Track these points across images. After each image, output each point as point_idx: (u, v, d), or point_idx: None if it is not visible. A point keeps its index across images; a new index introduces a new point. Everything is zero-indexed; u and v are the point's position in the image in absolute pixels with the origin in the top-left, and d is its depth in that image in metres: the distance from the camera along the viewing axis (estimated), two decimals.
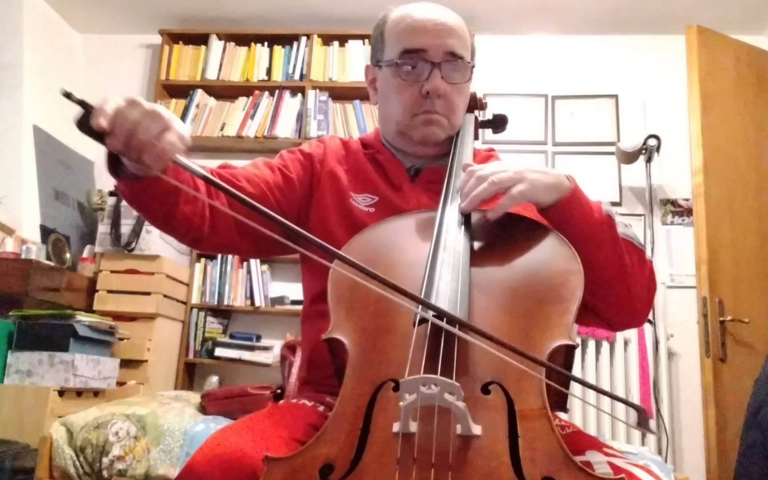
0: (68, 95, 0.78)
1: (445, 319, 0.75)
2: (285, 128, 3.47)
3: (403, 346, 0.78)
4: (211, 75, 3.61)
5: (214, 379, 3.15)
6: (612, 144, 3.33)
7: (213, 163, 3.36)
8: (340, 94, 3.53)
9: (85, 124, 0.79)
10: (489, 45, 3.45)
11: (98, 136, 0.79)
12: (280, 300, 3.27)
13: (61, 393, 2.35)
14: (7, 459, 2.01)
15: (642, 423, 0.75)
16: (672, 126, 3.30)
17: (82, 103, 0.79)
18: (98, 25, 3.83)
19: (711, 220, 2.67)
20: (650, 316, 3.03)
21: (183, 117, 3.54)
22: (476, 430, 0.67)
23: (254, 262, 3.32)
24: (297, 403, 1.01)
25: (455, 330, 0.74)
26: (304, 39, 3.58)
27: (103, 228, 3.10)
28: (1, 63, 3.26)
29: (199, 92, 3.59)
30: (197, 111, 3.57)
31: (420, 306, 0.77)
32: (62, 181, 3.40)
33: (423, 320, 0.78)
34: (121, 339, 2.83)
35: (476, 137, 1.24)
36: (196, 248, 1.17)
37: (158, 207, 0.95)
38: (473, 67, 1.18)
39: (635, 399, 2.94)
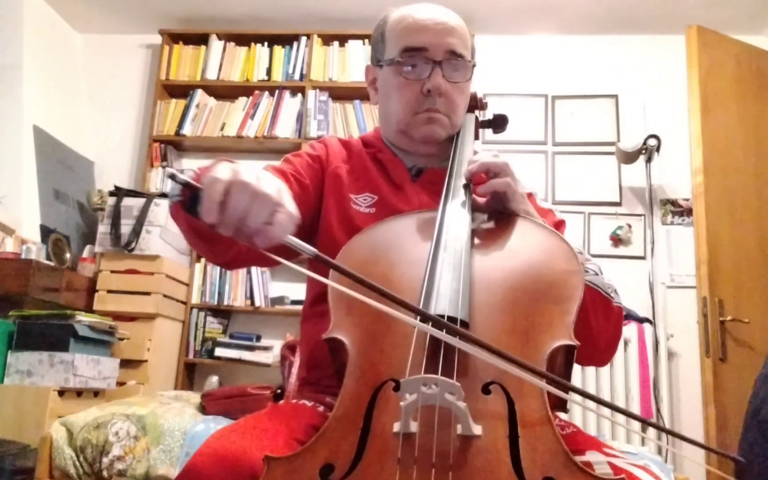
0: (173, 176, 0.76)
1: (444, 330, 0.74)
2: (285, 128, 3.47)
3: (404, 346, 0.78)
4: (211, 75, 3.61)
5: (214, 379, 3.15)
6: (612, 144, 3.33)
7: None
8: (340, 94, 3.53)
9: (190, 206, 0.75)
10: (489, 45, 3.45)
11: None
12: (280, 300, 3.27)
13: (61, 393, 2.35)
14: (7, 459, 2.00)
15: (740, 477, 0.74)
16: (672, 126, 3.30)
17: (187, 185, 0.75)
18: (98, 25, 3.83)
19: (711, 220, 2.67)
20: (650, 316, 3.03)
21: (183, 117, 3.55)
22: (477, 430, 0.67)
23: None
24: (297, 403, 1.01)
25: (455, 341, 0.73)
26: (304, 39, 3.58)
27: (103, 228, 3.10)
28: (1, 63, 3.26)
29: (199, 92, 3.59)
30: (197, 111, 3.57)
31: (418, 317, 0.76)
32: (62, 181, 3.40)
33: (425, 321, 0.78)
34: (121, 339, 2.83)
35: (476, 137, 1.25)
36: (225, 268, 1.15)
37: (225, 245, 0.95)
38: (474, 66, 1.18)
39: (635, 399, 2.94)
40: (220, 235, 0.87)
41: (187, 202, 0.75)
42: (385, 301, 0.74)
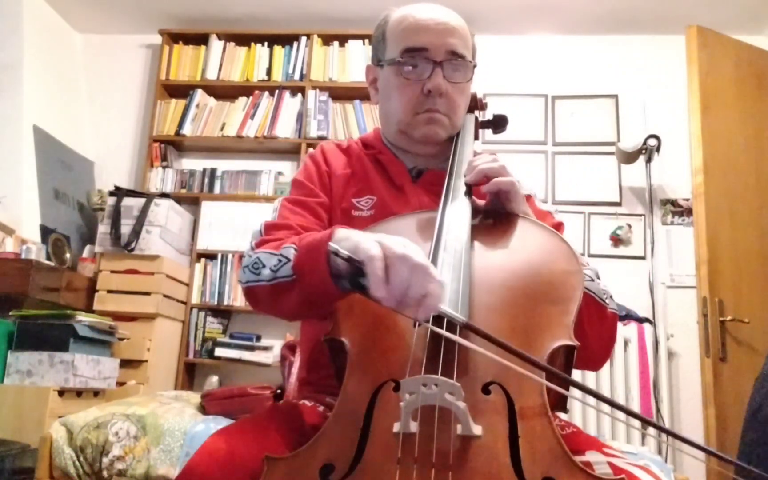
0: (336, 253, 0.78)
1: (445, 324, 0.74)
2: (285, 128, 3.47)
3: (404, 347, 0.78)
4: (211, 75, 3.61)
5: (214, 379, 3.15)
6: (612, 144, 3.33)
7: (213, 163, 3.37)
8: (340, 94, 3.53)
9: (353, 280, 0.78)
10: (489, 45, 3.45)
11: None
12: None
13: (61, 393, 2.35)
14: (7, 459, 2.00)
15: None
16: (672, 126, 3.30)
17: (350, 260, 0.77)
18: (98, 25, 3.83)
19: (711, 220, 2.67)
20: (650, 316, 3.03)
21: (183, 117, 3.55)
22: (477, 430, 0.67)
23: None
24: (297, 403, 1.01)
25: (455, 337, 0.73)
26: (304, 39, 3.58)
27: (103, 228, 3.10)
28: (1, 63, 3.26)
29: (199, 92, 3.59)
30: (197, 111, 3.57)
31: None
32: (62, 181, 3.40)
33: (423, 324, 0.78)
34: (121, 339, 2.83)
35: (476, 137, 1.24)
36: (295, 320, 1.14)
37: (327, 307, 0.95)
38: (475, 66, 1.18)
39: (635, 399, 2.94)
40: (328, 308, 0.89)
41: (351, 277, 0.79)
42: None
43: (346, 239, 0.79)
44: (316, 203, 1.12)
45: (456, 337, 0.74)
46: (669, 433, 0.75)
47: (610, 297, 1.02)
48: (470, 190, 1.04)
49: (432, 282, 0.75)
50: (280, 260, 0.92)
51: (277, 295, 0.93)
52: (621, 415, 2.75)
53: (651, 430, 2.85)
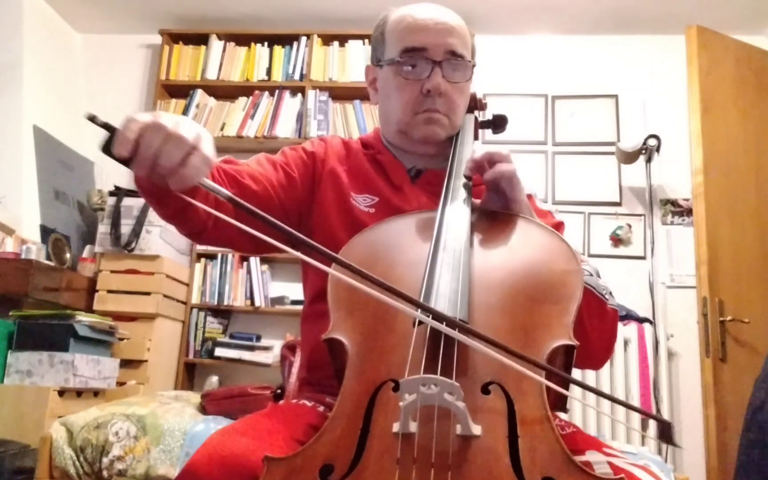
0: (92, 118, 0.77)
1: (444, 323, 0.74)
2: (285, 128, 3.47)
3: (403, 346, 0.78)
4: (211, 75, 3.61)
5: (214, 379, 3.15)
6: (612, 144, 3.33)
7: None
8: (340, 94, 3.53)
9: (108, 148, 0.77)
10: (489, 45, 3.45)
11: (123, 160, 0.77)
12: (280, 300, 3.27)
13: (61, 393, 2.35)
14: (7, 459, 2.01)
15: (665, 436, 0.74)
16: (672, 126, 3.30)
17: (105, 126, 0.77)
18: (98, 25, 3.83)
19: (711, 220, 2.67)
20: (650, 316, 3.04)
21: None
22: (476, 430, 0.67)
23: (254, 262, 3.32)
24: (297, 403, 1.01)
25: (455, 333, 0.74)
26: (304, 39, 3.58)
27: (103, 228, 3.10)
28: (1, 63, 3.26)
29: (199, 92, 3.59)
30: (197, 111, 3.57)
31: (419, 310, 0.77)
32: (62, 181, 3.40)
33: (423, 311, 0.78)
34: (121, 339, 2.83)
35: (476, 137, 1.24)
36: (196, 241, 1.15)
37: (175, 203, 0.92)
38: (474, 66, 1.18)
39: (635, 399, 2.94)
40: (166, 194, 0.86)
41: (107, 142, 0.78)
42: (380, 290, 0.74)
43: (141, 114, 0.79)
44: (285, 171, 1.13)
45: (455, 333, 0.74)
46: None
47: (610, 293, 1.01)
48: (470, 189, 1.04)
49: (194, 155, 0.77)
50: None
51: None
52: (621, 415, 2.75)
53: (651, 432, 2.85)
